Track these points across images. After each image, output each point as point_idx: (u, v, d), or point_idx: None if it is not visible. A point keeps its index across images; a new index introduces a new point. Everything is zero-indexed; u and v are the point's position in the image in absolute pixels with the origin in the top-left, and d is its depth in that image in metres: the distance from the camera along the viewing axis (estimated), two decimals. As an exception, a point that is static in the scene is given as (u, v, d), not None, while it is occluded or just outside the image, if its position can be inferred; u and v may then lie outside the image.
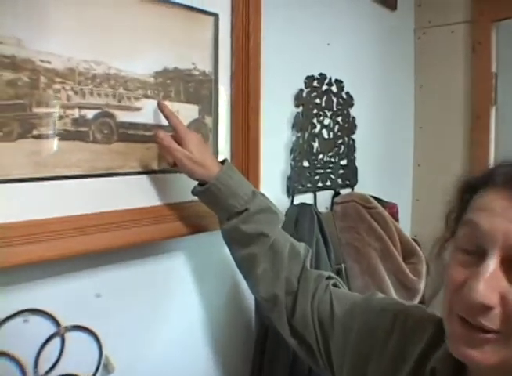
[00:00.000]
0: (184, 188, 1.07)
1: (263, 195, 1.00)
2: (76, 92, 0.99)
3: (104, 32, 1.02)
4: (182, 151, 0.97)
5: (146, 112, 1.11)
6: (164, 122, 1.05)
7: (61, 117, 0.96)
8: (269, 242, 0.94)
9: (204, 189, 0.96)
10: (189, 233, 1.07)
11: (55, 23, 0.94)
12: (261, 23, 1.32)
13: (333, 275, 0.99)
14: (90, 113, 0.97)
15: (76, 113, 0.94)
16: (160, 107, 1.03)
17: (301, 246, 1.00)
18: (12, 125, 0.89)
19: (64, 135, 0.93)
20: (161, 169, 1.08)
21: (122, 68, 1.06)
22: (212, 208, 1.00)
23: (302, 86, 1.59)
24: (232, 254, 1.02)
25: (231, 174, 0.97)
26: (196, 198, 1.02)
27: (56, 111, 0.90)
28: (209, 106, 1.22)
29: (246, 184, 1.00)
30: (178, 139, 0.99)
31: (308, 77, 1.60)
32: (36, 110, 0.88)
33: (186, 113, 1.20)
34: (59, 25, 0.95)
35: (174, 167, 1.01)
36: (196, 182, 1.00)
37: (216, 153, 1.26)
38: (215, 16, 1.26)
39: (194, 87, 1.22)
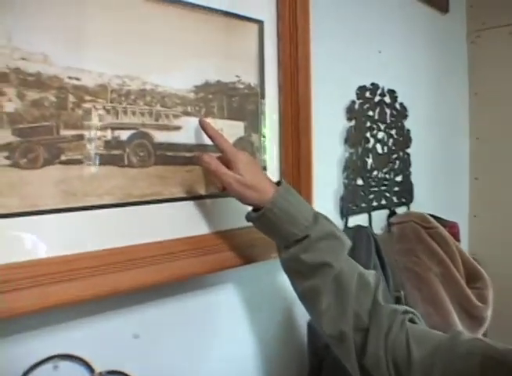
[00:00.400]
0: (235, 213, 0.98)
1: (326, 218, 0.89)
2: (108, 111, 0.88)
3: (138, 44, 0.91)
4: (232, 174, 0.86)
5: (186, 131, 1.00)
6: (207, 141, 0.95)
7: (92, 140, 0.85)
8: (334, 273, 0.83)
9: (259, 215, 0.85)
10: (241, 264, 0.96)
11: (84, 37, 0.84)
12: (310, 31, 1.15)
13: (409, 309, 0.87)
14: (124, 134, 0.88)
15: (108, 134, 0.86)
16: (203, 125, 0.92)
17: (371, 275, 0.88)
18: (38, 150, 0.79)
19: (96, 160, 0.84)
20: (207, 194, 0.98)
21: (159, 83, 0.95)
22: (269, 236, 0.89)
23: (354, 97, 1.44)
24: (292, 285, 0.90)
25: (288, 197, 0.86)
26: (248, 224, 0.92)
27: (87, 133, 0.82)
28: (255, 122, 1.11)
29: (306, 207, 0.88)
30: (225, 161, 0.88)
31: (360, 88, 1.46)
32: (64, 132, 0.80)
33: (231, 130, 1.08)
34: (89, 38, 0.84)
35: (224, 191, 0.91)
36: (250, 207, 0.90)
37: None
38: (260, 23, 1.14)
39: (238, 102, 1.10)
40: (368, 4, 1.51)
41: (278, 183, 0.90)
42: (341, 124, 1.45)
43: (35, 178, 0.74)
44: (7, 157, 0.71)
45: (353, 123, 1.46)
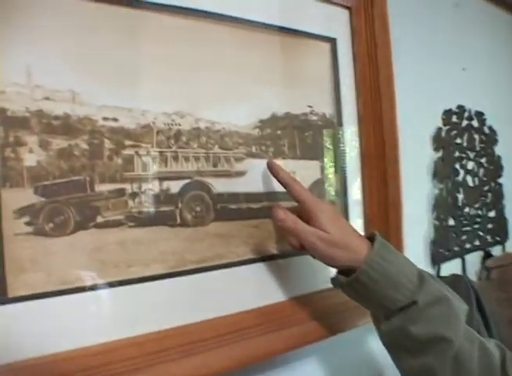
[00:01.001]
0: (312, 274, 0.85)
1: (432, 276, 0.71)
2: (155, 158, 0.71)
3: (188, 73, 0.74)
4: (314, 231, 0.70)
5: (251, 177, 0.81)
6: (278, 187, 0.78)
7: (135, 195, 0.69)
8: (453, 350, 0.65)
9: (351, 280, 0.69)
10: (325, 337, 0.79)
11: (121, 68, 0.68)
12: (391, 48, 0.92)
13: None
14: (176, 186, 0.73)
15: (156, 187, 0.71)
16: (273, 169, 0.76)
17: (491, 344, 0.69)
18: (68, 212, 0.64)
19: (141, 220, 0.68)
20: (279, 253, 0.82)
21: (215, 119, 0.77)
22: (362, 303, 0.73)
23: (439, 123, 1.18)
24: (394, 361, 0.72)
25: (386, 254, 0.69)
26: (328, 284, 0.77)
27: (128, 187, 0.67)
28: (333, 160, 0.94)
29: (409, 265, 0.71)
30: (305, 214, 0.72)
31: (445, 112, 1.22)
32: (100, 187, 0.66)
33: (305, 172, 0.88)
34: (127, 69, 0.69)
35: (302, 250, 0.74)
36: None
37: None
38: (332, 41, 0.94)
39: (312, 137, 0.90)
40: (446, 17, 1.28)
41: (369, 237, 0.75)
42: (428, 155, 1.20)
43: (65, 248, 0.61)
44: (29, 223, 0.59)
45: (440, 153, 1.22)
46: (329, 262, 0.72)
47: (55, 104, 0.63)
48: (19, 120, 0.58)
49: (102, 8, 0.65)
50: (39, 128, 0.61)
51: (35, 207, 0.59)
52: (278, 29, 0.85)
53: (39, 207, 0.59)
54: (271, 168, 0.75)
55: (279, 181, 0.74)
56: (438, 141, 1.24)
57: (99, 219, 0.64)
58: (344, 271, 0.70)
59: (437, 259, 1.25)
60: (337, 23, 0.96)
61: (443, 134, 1.25)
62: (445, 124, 1.26)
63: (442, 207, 1.24)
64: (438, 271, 1.22)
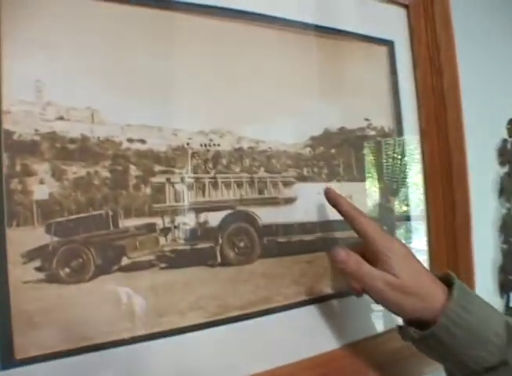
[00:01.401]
0: (373, 315, 0.74)
1: None
2: (190, 186, 0.61)
3: (227, 85, 0.64)
4: (381, 276, 0.60)
5: (302, 204, 0.70)
6: (334, 215, 0.66)
7: (167, 230, 0.59)
8: None
9: (426, 335, 0.58)
10: None
11: (147, 79, 0.58)
12: (456, 50, 0.87)
13: None
14: (215, 218, 0.62)
15: (192, 220, 0.61)
16: (331, 198, 0.65)
17: None
18: (87, 254, 0.54)
19: (174, 261, 0.59)
20: (335, 292, 0.71)
21: (260, 138, 0.66)
22: (438, 360, 0.61)
23: (505, 135, 1.02)
24: None
25: (467, 303, 0.58)
26: (389, 325, 0.71)
27: (159, 221, 0.58)
28: (393, 181, 0.81)
29: (495, 315, 0.59)
30: (370, 253, 0.62)
31: (511, 122, 1.03)
32: (125, 223, 0.56)
33: (363, 197, 0.77)
34: (155, 80, 0.58)
35: (363, 293, 0.65)
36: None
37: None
38: (389, 44, 0.82)
39: (370, 155, 0.79)
40: (507, 17, 1.11)
41: (444, 279, 0.63)
42: (493, 170, 1.05)
43: (84, 297, 0.52)
44: (40, 268, 0.50)
45: (507, 168, 1.06)
46: (398, 312, 0.62)
47: (71, 125, 0.53)
48: (28, 144, 0.50)
49: (125, 10, 0.53)
50: (51, 153, 0.52)
51: (48, 249, 0.51)
52: (329, 31, 0.74)
53: (53, 249, 0.51)
54: (329, 195, 0.65)
55: (339, 211, 0.64)
56: (504, 154, 1.09)
57: (125, 261, 0.55)
58: (415, 320, 0.60)
59: (506, 288, 1.10)
60: (394, 24, 0.84)
61: (509, 146, 1.09)
62: (510, 136, 1.10)
63: (511, 228, 1.06)
64: (508, 301, 1.07)
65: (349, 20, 0.77)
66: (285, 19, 0.68)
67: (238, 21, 0.63)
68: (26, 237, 0.50)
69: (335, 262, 0.62)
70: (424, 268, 0.63)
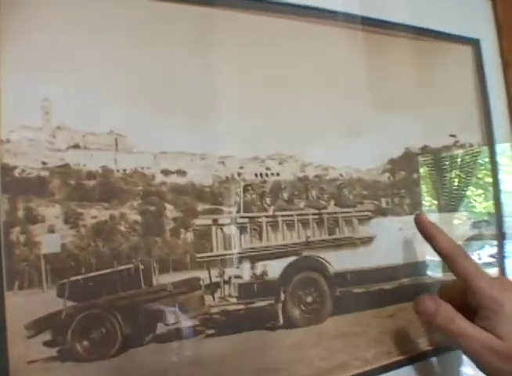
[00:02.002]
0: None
1: None
2: (242, 229, 0.49)
3: (285, 98, 0.52)
4: (480, 336, 0.47)
5: (381, 244, 0.57)
6: (421, 256, 0.58)
7: (215, 287, 0.47)
8: None
9: None
10: None
11: (187, 94, 0.46)
12: None
13: None
14: (275, 268, 0.49)
15: (246, 272, 0.48)
16: (425, 228, 0.52)
17: None
18: (111, 322, 0.42)
19: (225, 325, 0.46)
20: (429, 348, 0.58)
21: (329, 163, 0.54)
22: None
23: None
24: None
25: None
26: None
27: (204, 275, 0.46)
28: (487, 210, 0.68)
29: None
30: (469, 301, 0.50)
31: None
32: (160, 279, 0.44)
33: (452, 229, 0.64)
34: (197, 96, 0.46)
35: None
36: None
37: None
38: (474, 43, 0.69)
39: (459, 178, 0.66)
40: None
41: None
42: None
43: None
44: (50, 343, 0.39)
45: None
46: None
47: (89, 154, 0.42)
48: (33, 182, 0.40)
49: (154, 6, 0.41)
50: (64, 193, 0.41)
51: (61, 318, 0.40)
52: (405, 30, 0.62)
53: (67, 317, 0.40)
54: (421, 225, 0.53)
55: (434, 247, 0.53)
56: None
57: (161, 329, 0.44)
58: None
59: None
60: (479, 20, 0.72)
61: None
62: None
63: None
64: None
65: (429, 17, 0.64)
66: (354, 15, 0.55)
67: (297, 17, 0.50)
68: (32, 303, 0.40)
69: (421, 314, 0.52)
70: None
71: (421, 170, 0.60)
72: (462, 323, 0.50)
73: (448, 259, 0.52)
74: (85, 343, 0.41)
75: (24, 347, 0.39)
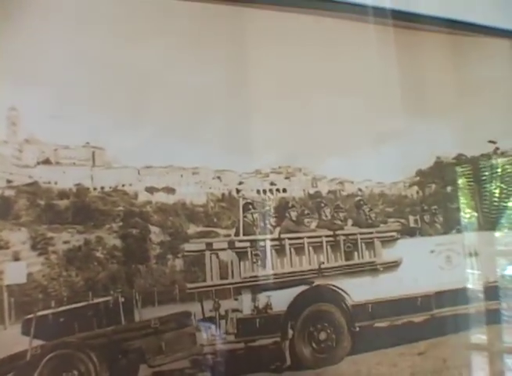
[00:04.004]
0: None
1: None
2: (242, 254, 0.44)
3: (290, 99, 0.47)
4: None
5: (409, 269, 0.51)
6: (456, 282, 0.50)
7: (208, 322, 0.43)
8: None
9: None
10: None
11: (177, 100, 0.41)
12: None
13: None
14: (281, 300, 0.42)
15: (245, 304, 0.42)
16: None
17: None
18: (85, 363, 0.36)
19: (219, 367, 0.41)
20: None
21: (345, 176, 0.50)
22: None
23: None
24: None
25: None
26: None
27: (196, 309, 0.42)
28: None
29: None
30: None
31: None
32: (144, 314, 0.40)
33: (493, 252, 0.57)
34: (189, 101, 0.41)
35: None
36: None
37: None
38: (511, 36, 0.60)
39: (502, 191, 0.58)
40: None
41: None
42: None
43: None
44: None
45: None
46: None
47: (61, 171, 0.40)
48: None
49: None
50: (31, 214, 0.40)
51: (25, 359, 0.38)
52: (438, 22, 0.55)
53: (33, 358, 0.37)
54: None
55: None
56: None
57: (145, 371, 0.41)
58: None
59: None
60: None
61: None
62: None
63: None
64: None
65: (461, 8, 0.57)
66: (377, 8, 0.49)
67: (322, 13, 0.46)
68: None
69: None
70: None
71: (456, 182, 0.55)
72: None
73: None
74: None
75: (-18, 395, 0.36)
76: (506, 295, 0.59)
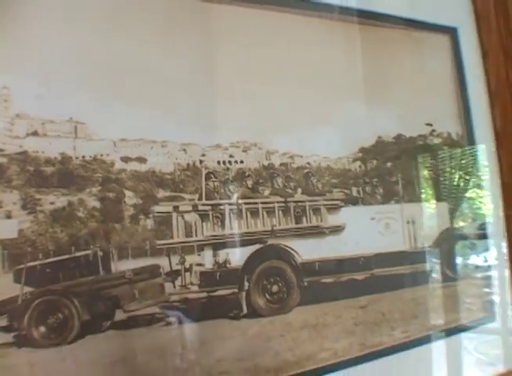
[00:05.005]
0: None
1: None
2: (204, 216, 0.49)
3: (253, 84, 0.53)
4: None
5: (352, 233, 0.57)
6: (394, 245, 0.58)
7: (175, 274, 0.48)
8: None
9: None
10: None
11: (150, 80, 0.47)
12: None
13: None
14: (239, 257, 0.50)
15: (207, 259, 0.48)
16: None
17: None
18: (69, 308, 0.43)
19: (184, 314, 0.47)
20: (400, 343, 0.58)
21: (296, 151, 0.55)
22: None
23: None
24: None
25: None
26: None
27: (165, 263, 0.46)
28: (466, 200, 0.68)
29: None
30: None
31: None
32: (119, 266, 0.44)
33: (428, 220, 0.64)
34: (159, 82, 0.47)
35: None
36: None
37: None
38: (451, 32, 0.70)
39: (436, 168, 0.66)
40: None
41: None
42: None
43: (65, 364, 0.41)
44: (6, 328, 0.41)
45: None
46: None
47: (48, 141, 0.43)
48: None
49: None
50: (22, 179, 0.42)
51: (17, 303, 0.42)
52: (378, 18, 0.63)
53: (24, 303, 0.42)
54: None
55: None
56: None
57: (120, 316, 0.45)
58: None
59: None
60: (457, 8, 0.73)
61: None
62: None
63: None
64: None
65: (402, 5, 0.65)
66: (325, 4, 0.55)
67: (279, 9, 0.52)
68: None
69: None
70: None
71: (395, 159, 0.61)
72: None
73: None
74: (42, 329, 0.43)
75: (-20, 332, 0.39)
76: (437, 259, 0.67)
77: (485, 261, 0.68)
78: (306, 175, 0.53)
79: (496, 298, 0.69)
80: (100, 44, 0.44)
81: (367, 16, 0.60)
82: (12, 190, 0.42)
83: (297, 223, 0.54)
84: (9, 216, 0.41)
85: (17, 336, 0.41)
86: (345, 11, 0.57)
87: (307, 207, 0.54)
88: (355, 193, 0.58)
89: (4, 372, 0.41)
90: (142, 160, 0.45)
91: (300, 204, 0.54)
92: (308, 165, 0.54)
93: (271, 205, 0.52)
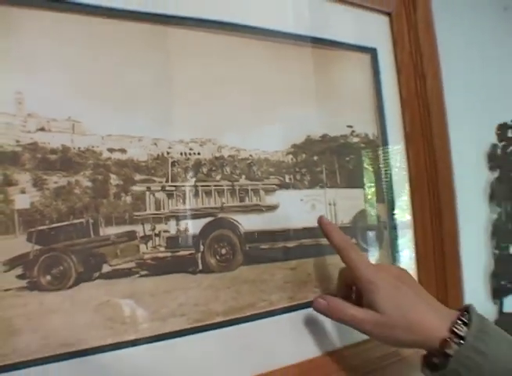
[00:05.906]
0: None
1: None
2: (170, 195, 0.62)
3: (207, 93, 0.65)
4: (365, 317, 0.57)
5: (284, 211, 0.71)
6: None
7: (148, 238, 0.59)
8: None
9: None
10: None
11: (129, 91, 0.59)
12: (438, 56, 0.90)
13: None
14: (196, 226, 0.63)
15: (172, 227, 0.61)
16: (325, 229, 0.64)
17: None
18: (68, 262, 0.55)
19: (155, 268, 0.59)
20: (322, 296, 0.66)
21: (241, 146, 0.68)
22: None
23: (494, 139, 1.04)
24: None
25: (481, 344, 0.51)
26: None
27: (139, 229, 0.58)
28: (378, 187, 0.82)
29: None
30: (357, 286, 0.61)
31: (500, 127, 1.06)
32: (105, 231, 0.57)
33: (347, 203, 0.78)
34: (136, 92, 0.60)
35: None
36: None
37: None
38: (371, 52, 0.83)
39: (354, 161, 0.80)
40: (495, 21, 1.20)
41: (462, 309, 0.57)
42: (483, 175, 1.05)
43: (65, 303, 0.53)
44: (22, 276, 0.51)
45: (497, 173, 1.07)
46: (396, 345, 0.62)
47: (52, 135, 0.54)
48: (9, 155, 0.51)
49: (109, 23, 0.55)
50: (32, 163, 0.53)
51: (29, 257, 0.51)
52: (311, 40, 0.74)
53: (34, 257, 0.51)
54: (322, 226, 0.63)
55: (330, 242, 0.62)
56: (494, 159, 1.10)
57: (106, 268, 0.56)
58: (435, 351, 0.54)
59: (498, 293, 1.10)
60: (377, 32, 0.85)
61: (499, 151, 1.11)
62: (500, 140, 1.12)
63: (502, 233, 1.09)
64: (501, 306, 1.07)
65: (332, 30, 0.78)
66: (267, 29, 0.70)
67: (221, 32, 0.64)
68: (7, 246, 0.50)
69: (317, 311, 0.61)
70: (420, 297, 0.58)
71: (321, 153, 0.75)
72: (351, 311, 0.58)
73: (340, 252, 0.60)
74: (48, 277, 0.53)
75: (2, 278, 0.49)
76: (355, 234, 0.80)
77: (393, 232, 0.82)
78: (249, 165, 0.66)
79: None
80: (92, 62, 0.57)
81: (304, 40, 0.72)
82: (26, 172, 0.54)
83: (241, 202, 0.66)
84: (23, 192, 0.53)
85: (29, 282, 0.51)
86: (283, 35, 0.71)
87: (249, 190, 0.66)
88: (287, 180, 0.71)
89: (21, 307, 0.54)
90: (123, 151, 0.58)
91: (243, 187, 0.67)
92: (250, 157, 0.68)
93: (221, 187, 0.64)
